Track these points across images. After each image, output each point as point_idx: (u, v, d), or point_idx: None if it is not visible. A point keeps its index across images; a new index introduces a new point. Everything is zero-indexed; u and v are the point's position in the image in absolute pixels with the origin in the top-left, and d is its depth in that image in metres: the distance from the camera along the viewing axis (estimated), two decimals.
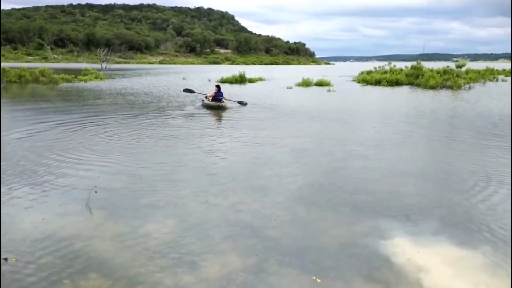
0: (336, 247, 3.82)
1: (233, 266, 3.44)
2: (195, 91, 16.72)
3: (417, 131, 9.83)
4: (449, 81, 24.17)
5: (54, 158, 6.71)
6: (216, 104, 13.94)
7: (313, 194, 5.26)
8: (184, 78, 32.32)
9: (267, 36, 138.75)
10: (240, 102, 15.00)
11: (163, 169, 6.30)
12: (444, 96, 19.31)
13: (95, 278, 3.23)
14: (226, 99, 14.46)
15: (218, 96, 14.20)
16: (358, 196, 5.18)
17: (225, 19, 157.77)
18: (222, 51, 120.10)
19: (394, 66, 34.01)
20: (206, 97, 14.84)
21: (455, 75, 25.46)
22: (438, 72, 26.04)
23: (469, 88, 23.51)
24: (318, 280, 3.23)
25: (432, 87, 23.28)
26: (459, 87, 23.32)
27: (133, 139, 8.38)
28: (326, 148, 7.82)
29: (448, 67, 28.13)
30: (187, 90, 16.80)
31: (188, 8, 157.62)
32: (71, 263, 3.43)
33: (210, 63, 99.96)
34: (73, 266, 3.39)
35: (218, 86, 14.62)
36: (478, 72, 30.90)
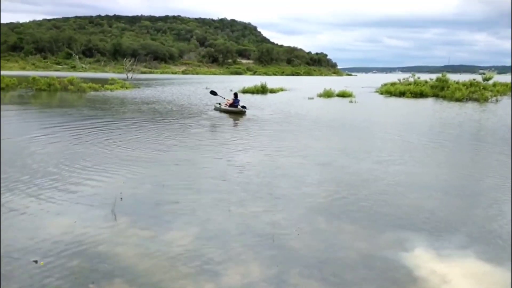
0: (358, 260, 3.78)
1: (254, 276, 3.46)
2: (218, 93, 17.99)
3: (443, 144, 9.64)
4: (475, 93, 23.64)
5: (80, 164, 6.91)
6: (239, 110, 15.40)
7: (334, 206, 5.23)
8: (206, 88, 32.73)
9: (289, 46, 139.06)
10: (242, 107, 15.89)
11: (185, 177, 6.39)
12: (470, 108, 18.89)
13: (119, 283, 3.30)
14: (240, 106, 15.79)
15: (235, 103, 15.75)
16: (381, 209, 5.11)
17: (247, 30, 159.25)
18: (244, 61, 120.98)
19: (419, 78, 33.50)
20: (220, 104, 16.45)
21: (481, 87, 24.88)
22: (464, 85, 25.51)
23: (496, 101, 22.92)
24: None
25: (458, 100, 22.81)
26: (485, 99, 22.77)
27: (156, 148, 8.54)
28: (348, 160, 7.77)
29: (474, 79, 27.51)
30: (212, 93, 18.34)
31: (212, 19, 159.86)
32: (96, 268, 3.52)
33: (232, 73, 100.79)
34: (99, 271, 3.47)
35: (235, 94, 16.39)
36: (505, 85, 30.09)
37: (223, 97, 17.22)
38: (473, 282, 3.44)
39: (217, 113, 15.53)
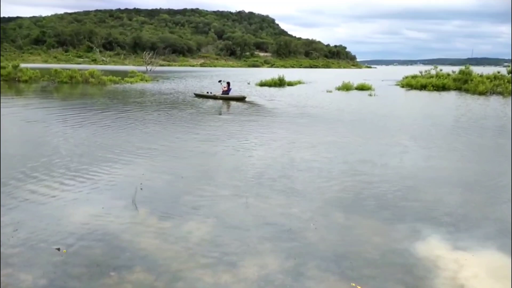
0: (376, 254, 3.75)
1: (271, 268, 3.47)
2: (220, 80, 20.36)
3: (465, 138, 9.42)
4: (499, 87, 22.96)
5: (101, 155, 7.05)
6: (240, 96, 17.97)
7: (351, 200, 5.19)
8: (219, 81, 32.70)
9: (307, 39, 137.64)
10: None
11: (203, 169, 6.45)
12: (494, 102, 18.38)
13: (139, 272, 3.37)
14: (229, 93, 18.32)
15: (228, 90, 18.33)
16: (400, 203, 5.05)
17: (265, 23, 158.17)
18: (261, 54, 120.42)
19: (441, 70, 32.71)
20: (209, 92, 19.04)
21: (506, 80, 24.15)
22: (488, 78, 24.80)
23: None
24: (358, 287, 3.19)
25: (482, 93, 22.22)
26: (510, 93, 22.10)
27: (175, 139, 8.63)
28: (366, 154, 7.68)
29: (498, 72, 26.70)
30: (220, 82, 20.29)
31: (230, 12, 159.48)
32: (117, 256, 3.61)
33: (249, 66, 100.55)
34: (119, 259, 3.55)
35: (228, 83, 18.71)
36: None
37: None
38: (491, 273, 3.39)
39: (233, 105, 15.57)
